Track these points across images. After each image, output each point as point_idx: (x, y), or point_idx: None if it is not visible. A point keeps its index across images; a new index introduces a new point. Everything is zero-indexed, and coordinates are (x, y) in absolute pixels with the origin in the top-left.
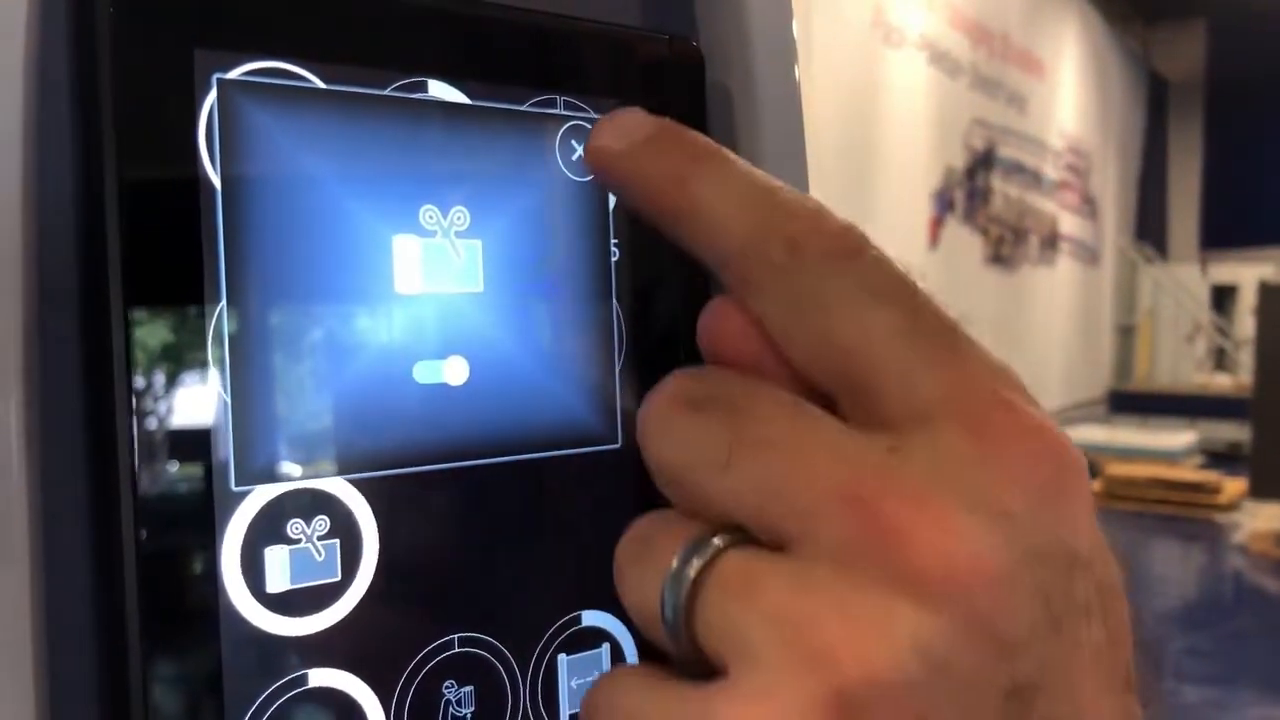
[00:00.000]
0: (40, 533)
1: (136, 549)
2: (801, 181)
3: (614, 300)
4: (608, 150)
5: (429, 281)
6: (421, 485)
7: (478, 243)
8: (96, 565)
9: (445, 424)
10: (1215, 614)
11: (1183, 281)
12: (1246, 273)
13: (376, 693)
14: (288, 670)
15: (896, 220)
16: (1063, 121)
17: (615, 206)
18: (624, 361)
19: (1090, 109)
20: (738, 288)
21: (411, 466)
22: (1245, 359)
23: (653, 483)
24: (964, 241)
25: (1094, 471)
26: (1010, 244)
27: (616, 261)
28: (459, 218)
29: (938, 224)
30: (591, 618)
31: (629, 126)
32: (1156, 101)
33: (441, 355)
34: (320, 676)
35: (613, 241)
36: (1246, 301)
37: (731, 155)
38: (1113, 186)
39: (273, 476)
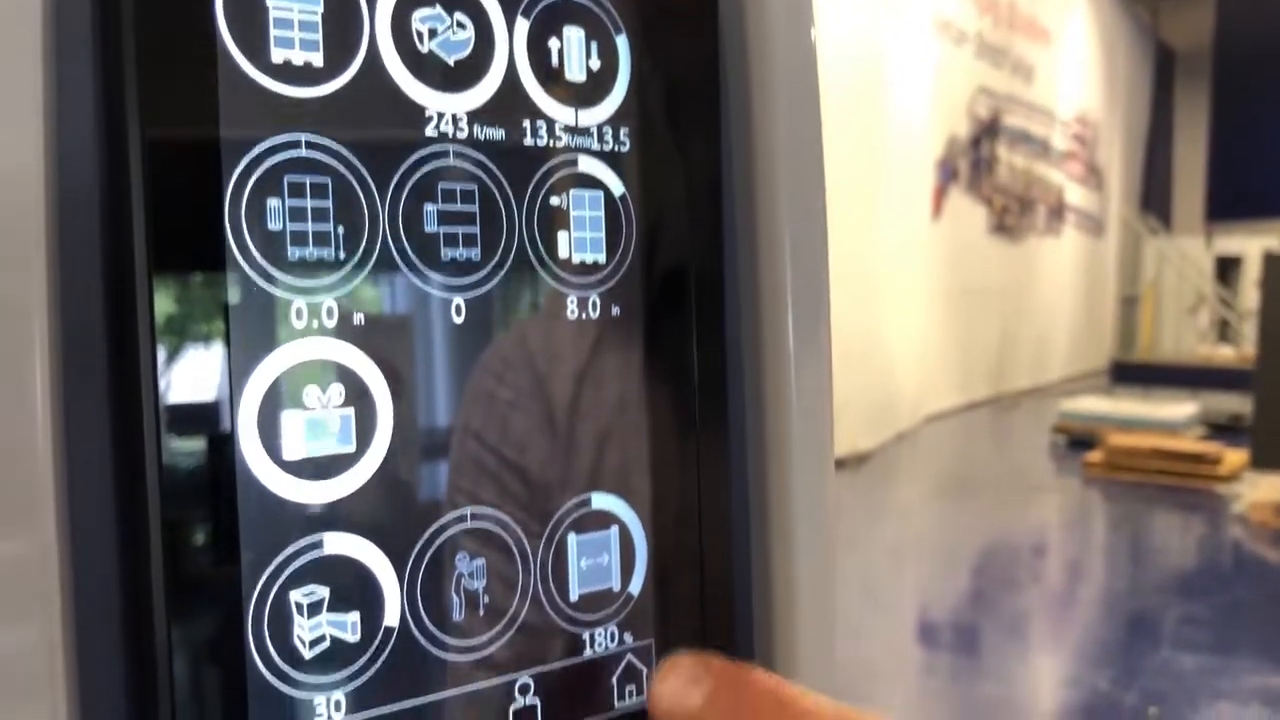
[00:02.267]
0: (65, 475)
1: (155, 415)
2: (816, 140)
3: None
4: (669, 708)
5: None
6: (435, 366)
7: None
8: (117, 456)
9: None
10: (1214, 583)
11: (1187, 253)
12: (1251, 244)
13: (391, 561)
14: (303, 535)
15: (900, 190)
16: (1070, 91)
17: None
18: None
19: (1098, 78)
20: None
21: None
22: (1249, 330)
23: (660, 359)
24: (968, 212)
25: (1095, 442)
26: (1015, 214)
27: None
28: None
29: (941, 194)
30: (601, 501)
31: (681, 683)
32: (1164, 72)
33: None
34: (335, 542)
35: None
36: (1250, 273)
37: (798, 704)
38: (1119, 157)
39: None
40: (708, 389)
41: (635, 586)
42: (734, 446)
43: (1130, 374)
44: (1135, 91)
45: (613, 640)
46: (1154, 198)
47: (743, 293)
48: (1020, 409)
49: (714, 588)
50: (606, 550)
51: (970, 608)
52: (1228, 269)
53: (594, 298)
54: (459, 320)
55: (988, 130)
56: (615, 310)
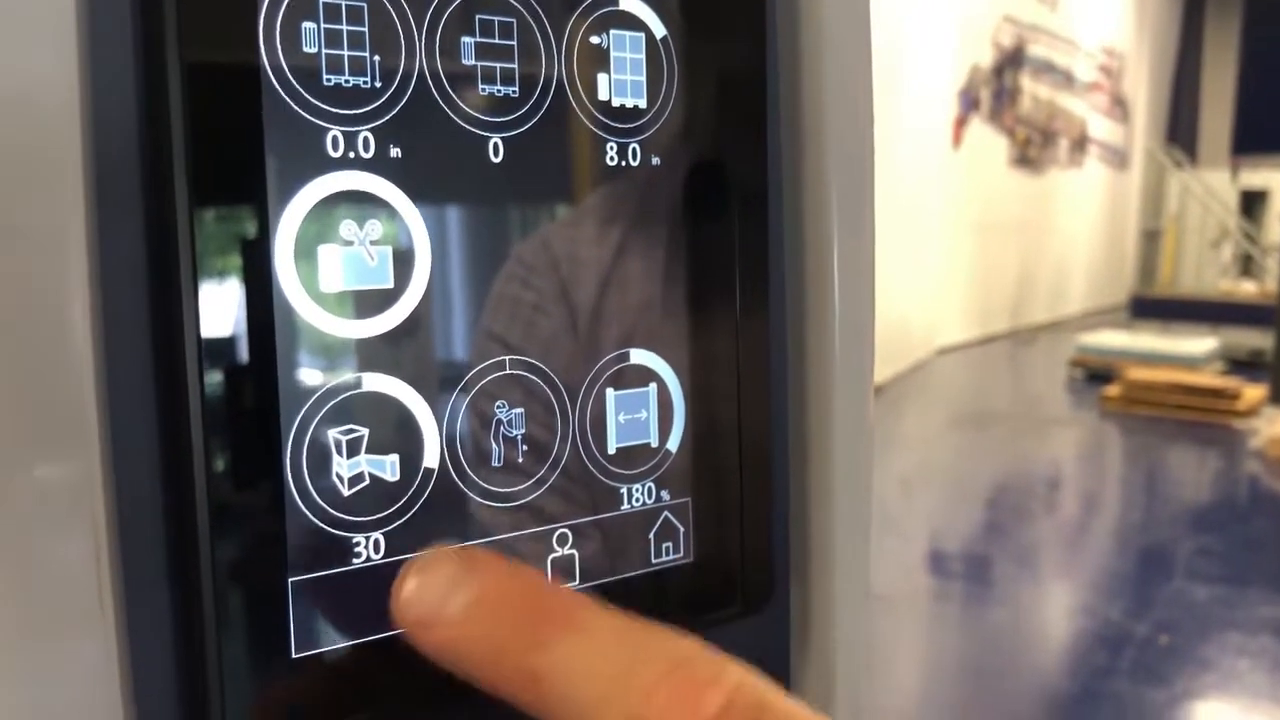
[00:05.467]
0: (108, 418)
1: (191, 242)
2: (865, 62)
3: None
4: (420, 618)
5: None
6: (473, 205)
7: None
8: (152, 281)
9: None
10: (1229, 517)
11: (1212, 187)
12: (1277, 178)
13: (429, 402)
14: (341, 371)
15: (920, 118)
16: (1096, 20)
17: None
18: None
19: (1125, 7)
20: None
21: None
22: (1272, 265)
23: (701, 220)
24: (989, 142)
25: (1113, 376)
26: (1038, 146)
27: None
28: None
29: (962, 124)
30: (639, 356)
31: (441, 585)
32: (1193, 1)
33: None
34: (373, 381)
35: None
36: (1276, 207)
37: (580, 610)
38: (1145, 89)
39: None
40: (748, 258)
41: (673, 444)
42: (774, 323)
43: (1150, 308)
44: (1164, 21)
45: (650, 496)
46: (1180, 130)
47: (786, 159)
48: (1038, 343)
49: (752, 454)
50: (645, 406)
51: (984, 537)
52: (1252, 203)
53: (633, 145)
54: (496, 160)
55: (1011, 59)
56: (655, 160)
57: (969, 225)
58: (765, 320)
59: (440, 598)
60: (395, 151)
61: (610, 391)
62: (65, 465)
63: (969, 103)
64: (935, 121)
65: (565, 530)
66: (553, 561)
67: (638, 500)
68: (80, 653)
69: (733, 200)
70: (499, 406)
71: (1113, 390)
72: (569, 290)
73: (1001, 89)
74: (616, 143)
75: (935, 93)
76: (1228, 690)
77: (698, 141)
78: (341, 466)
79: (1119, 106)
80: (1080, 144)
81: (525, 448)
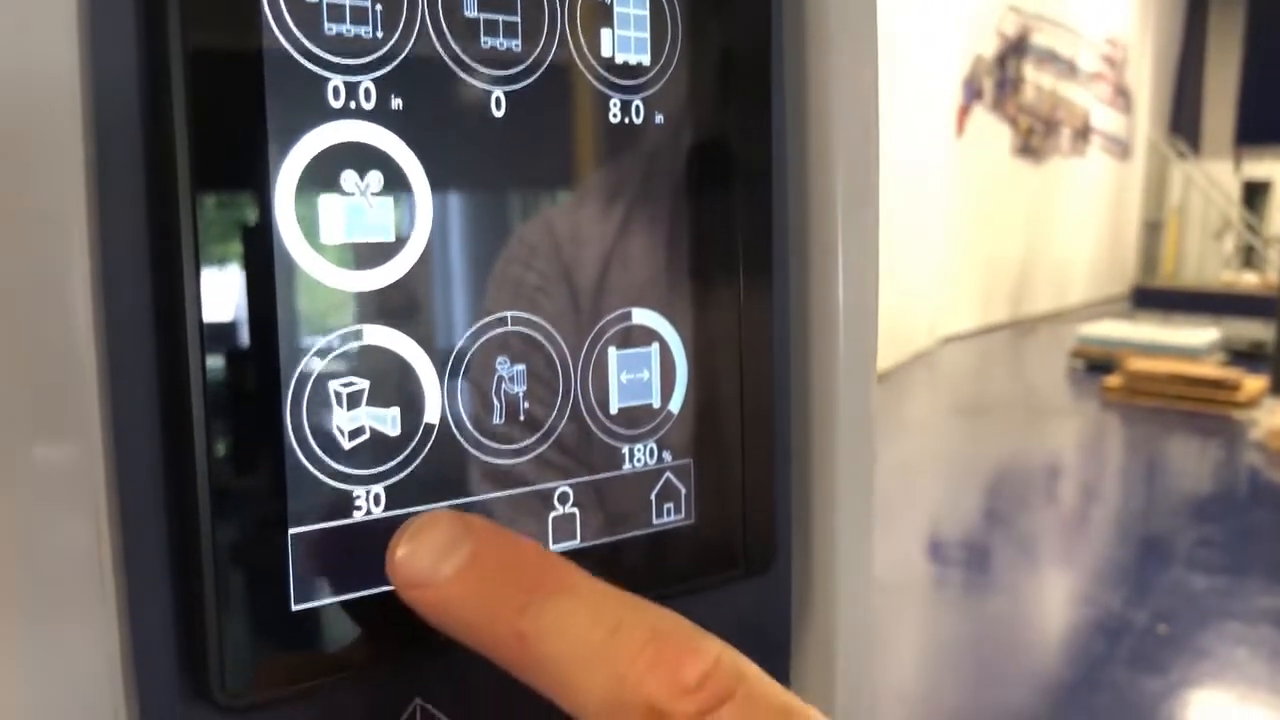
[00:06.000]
0: (110, 404)
1: (190, 190)
2: (871, 35)
3: None
4: (413, 577)
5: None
6: (475, 159)
7: None
8: (151, 229)
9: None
10: (1229, 507)
11: (1214, 177)
12: None
13: (430, 358)
14: (342, 323)
15: (923, 107)
16: (1100, 10)
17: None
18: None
19: None
20: None
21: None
22: (1274, 257)
23: (703, 183)
24: (991, 131)
25: (1114, 367)
26: (1040, 135)
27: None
28: None
29: (965, 112)
30: (641, 316)
31: (435, 546)
32: None
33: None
34: (374, 334)
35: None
36: (1279, 199)
37: (568, 576)
38: (1148, 79)
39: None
40: (752, 223)
41: (675, 405)
42: (778, 289)
43: (1152, 299)
44: (1167, 11)
45: (651, 456)
46: (1183, 121)
47: (791, 126)
48: (1039, 333)
49: (754, 418)
50: (647, 366)
51: (984, 526)
52: (1255, 194)
53: (637, 102)
54: (499, 114)
55: (1015, 48)
56: (658, 118)
57: (971, 215)
58: (769, 285)
59: (434, 558)
60: (397, 102)
61: (613, 351)
62: (63, 402)
63: (972, 92)
64: (938, 110)
65: (566, 489)
66: (553, 520)
67: (639, 461)
68: (80, 605)
69: (736, 165)
70: (501, 363)
71: (1114, 381)
72: (571, 271)
73: (1004, 78)
74: (620, 99)
75: (939, 81)
76: (1225, 679)
77: (702, 101)
78: (342, 419)
79: (1122, 96)
80: (1083, 134)
81: (527, 405)
